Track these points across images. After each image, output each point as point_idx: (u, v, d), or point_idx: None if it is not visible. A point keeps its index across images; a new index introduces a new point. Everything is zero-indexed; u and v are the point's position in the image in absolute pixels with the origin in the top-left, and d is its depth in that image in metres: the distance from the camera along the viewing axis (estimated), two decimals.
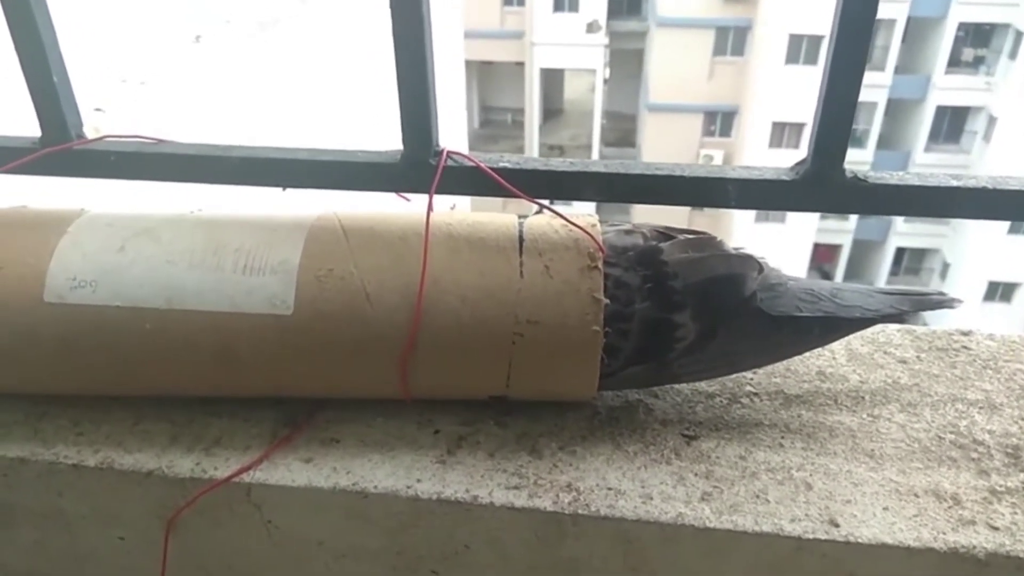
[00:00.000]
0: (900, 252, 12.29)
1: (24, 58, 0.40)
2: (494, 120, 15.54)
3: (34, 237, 0.42)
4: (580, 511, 0.39)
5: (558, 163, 0.40)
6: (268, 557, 0.44)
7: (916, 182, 0.37)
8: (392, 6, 0.35)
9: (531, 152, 14.08)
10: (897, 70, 12.06)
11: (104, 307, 0.40)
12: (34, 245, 0.42)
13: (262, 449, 0.42)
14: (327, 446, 0.43)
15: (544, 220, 0.43)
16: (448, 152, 0.40)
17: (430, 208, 0.41)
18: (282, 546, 0.43)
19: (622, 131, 14.90)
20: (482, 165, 0.40)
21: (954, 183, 0.37)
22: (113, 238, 0.41)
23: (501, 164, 0.40)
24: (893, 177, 0.37)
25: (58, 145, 0.42)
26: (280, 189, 0.42)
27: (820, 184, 0.37)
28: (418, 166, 0.40)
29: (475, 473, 0.41)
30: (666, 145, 13.15)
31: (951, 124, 12.54)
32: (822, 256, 11.70)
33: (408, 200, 0.44)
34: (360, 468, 0.41)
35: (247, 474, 0.41)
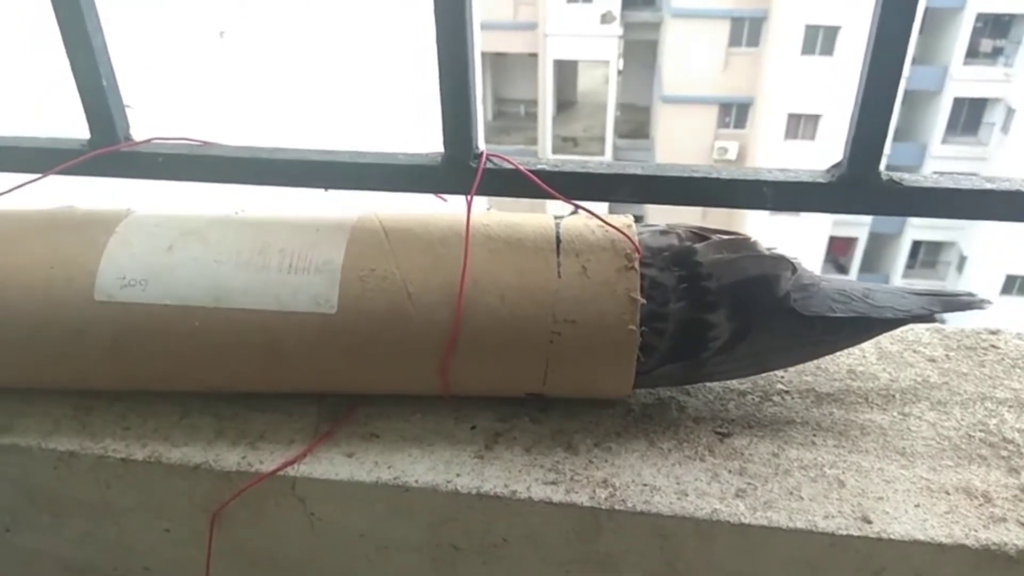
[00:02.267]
0: (916, 245, 12.20)
1: (75, 63, 0.41)
2: (507, 112, 15.52)
3: (83, 237, 0.43)
4: (616, 507, 0.40)
5: (595, 165, 0.41)
6: (310, 549, 0.45)
7: (950, 185, 0.38)
8: (436, 15, 0.36)
9: (544, 144, 14.05)
10: (914, 61, 11.94)
11: (153, 305, 0.41)
12: (84, 245, 0.43)
13: (305, 443, 0.43)
14: (368, 441, 0.44)
15: (580, 221, 0.43)
16: (488, 155, 0.41)
17: (469, 209, 0.42)
18: (324, 538, 0.44)
19: (636, 123, 14.84)
20: (521, 168, 0.40)
21: (988, 186, 0.38)
22: (161, 238, 0.43)
23: (539, 167, 0.41)
24: (928, 180, 0.38)
25: (107, 147, 0.43)
26: (322, 190, 0.43)
27: (856, 187, 0.38)
28: (458, 168, 0.41)
29: (512, 468, 0.42)
30: (680, 137, 13.10)
31: (969, 116, 12.41)
32: (838, 249, 11.64)
33: (445, 200, 0.45)
34: (400, 463, 0.42)
35: (291, 468, 0.42)
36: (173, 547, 0.47)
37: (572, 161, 0.41)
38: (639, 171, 0.40)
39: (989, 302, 0.44)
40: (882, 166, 0.37)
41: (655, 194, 0.40)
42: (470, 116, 0.39)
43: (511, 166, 0.41)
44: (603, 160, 0.43)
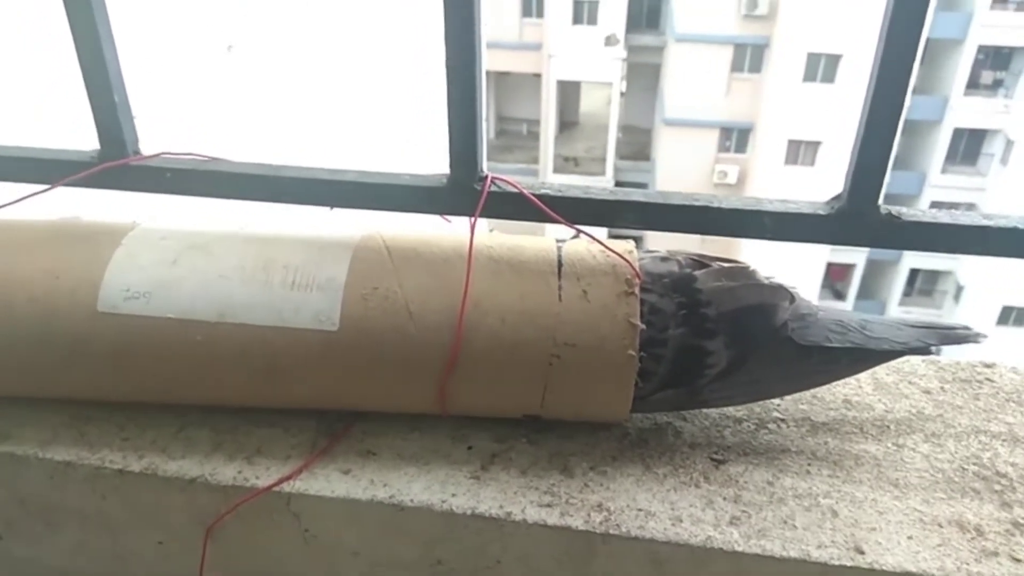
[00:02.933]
0: (914, 273, 12.23)
1: (89, 80, 0.41)
2: (510, 130, 15.59)
3: (89, 248, 0.44)
4: (611, 531, 0.40)
5: (598, 191, 0.41)
6: (304, 565, 0.45)
7: (948, 220, 0.38)
8: (447, 42, 0.36)
9: (545, 163, 14.11)
10: (915, 90, 12.03)
11: (157, 318, 0.42)
12: (89, 256, 0.43)
13: (302, 459, 0.44)
14: (364, 458, 0.44)
15: (582, 245, 0.44)
16: (492, 177, 0.42)
17: (473, 231, 0.42)
18: (318, 555, 0.44)
19: (638, 144, 14.91)
20: (525, 191, 0.41)
21: (985, 222, 0.38)
22: (167, 251, 0.43)
23: (543, 191, 0.41)
24: (926, 215, 0.38)
25: (116, 160, 0.44)
26: (328, 208, 0.44)
27: (855, 220, 0.38)
28: (463, 190, 0.41)
29: (508, 490, 0.42)
30: (681, 159, 13.16)
31: (968, 146, 12.49)
32: (835, 275, 11.66)
33: (449, 221, 0.45)
34: (396, 481, 0.42)
35: (287, 483, 0.42)
36: (166, 560, 0.47)
37: (575, 186, 0.41)
38: (641, 198, 0.40)
39: (984, 336, 0.45)
40: (881, 200, 0.38)
41: (657, 221, 0.41)
42: (476, 140, 0.40)
43: (515, 189, 0.41)
44: (606, 186, 0.43)
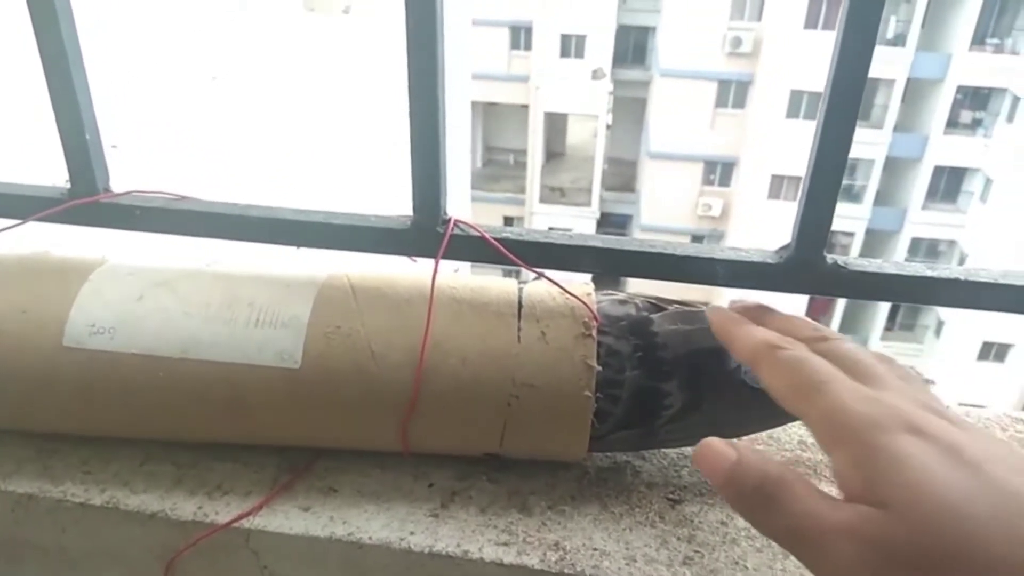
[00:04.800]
0: (895, 308, 12.34)
1: (60, 118, 0.42)
2: (497, 160, 15.71)
3: (57, 283, 0.44)
4: (566, 570, 0.40)
5: (557, 236, 0.43)
6: None
7: (893, 270, 0.40)
8: (411, 91, 0.38)
9: (532, 193, 14.20)
10: (896, 128, 12.25)
11: (121, 354, 0.42)
12: (57, 291, 0.44)
13: (263, 495, 0.44)
14: (325, 495, 0.44)
15: (542, 287, 0.45)
16: (455, 221, 0.43)
17: (435, 273, 0.43)
18: None
19: (623, 176, 15.05)
20: (486, 235, 0.42)
21: (929, 273, 0.39)
22: (133, 287, 0.44)
23: (504, 235, 0.43)
24: (872, 265, 0.40)
25: (86, 198, 0.44)
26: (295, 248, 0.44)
27: (803, 269, 0.40)
28: (426, 233, 0.43)
29: (467, 528, 0.43)
30: (666, 192, 13.28)
31: (948, 184, 12.70)
32: (817, 309, 11.76)
33: (415, 262, 0.46)
34: (356, 518, 0.43)
35: (247, 520, 0.43)
36: None
37: (535, 231, 0.43)
38: (599, 244, 0.42)
39: (933, 382, 0.46)
40: (856, 246, 0.39)
41: (614, 266, 0.42)
42: (439, 184, 0.41)
43: (477, 233, 0.42)
44: (565, 231, 0.45)
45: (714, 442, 0.33)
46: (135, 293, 0.43)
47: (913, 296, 0.40)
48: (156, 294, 0.43)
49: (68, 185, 0.45)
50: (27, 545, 0.46)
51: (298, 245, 0.44)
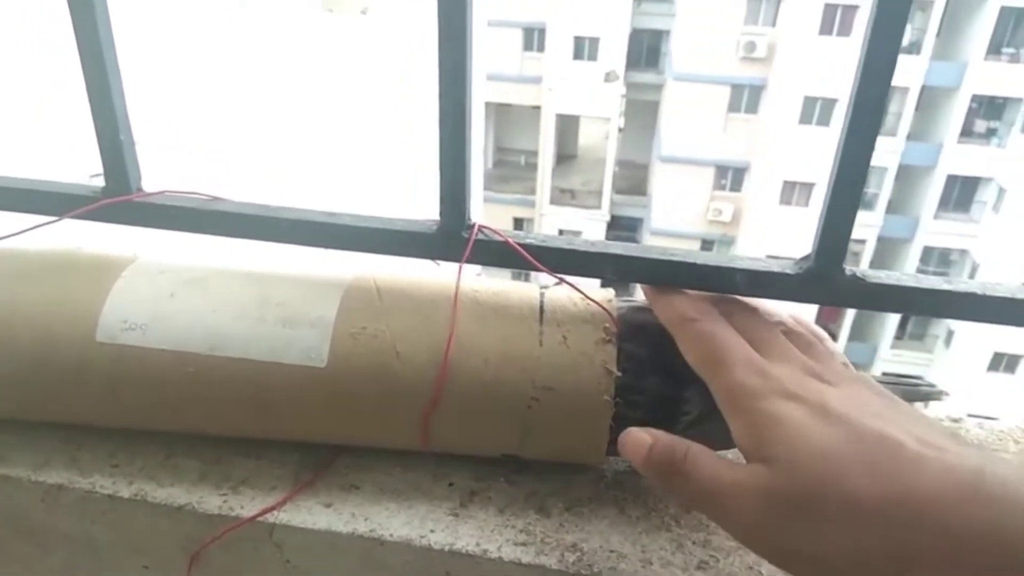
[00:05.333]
0: (906, 317, 12.29)
1: (98, 119, 0.43)
2: (508, 161, 15.72)
3: (90, 279, 0.46)
4: (583, 571, 0.41)
5: (580, 243, 0.43)
6: None
7: (911, 283, 0.40)
8: (441, 103, 0.38)
9: (542, 195, 14.20)
10: (909, 136, 12.20)
11: (151, 349, 0.43)
12: (89, 286, 0.45)
13: (286, 490, 0.45)
14: (347, 492, 0.45)
15: (564, 293, 0.46)
16: (480, 226, 0.44)
17: (459, 277, 0.44)
18: None
19: (634, 179, 15.05)
20: (510, 241, 0.43)
21: (945, 286, 0.40)
22: (165, 285, 0.45)
23: (527, 240, 0.43)
24: (890, 277, 0.40)
25: (120, 196, 0.45)
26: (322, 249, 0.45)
27: (821, 280, 0.40)
28: (452, 238, 0.43)
29: (485, 527, 0.43)
30: (677, 196, 13.27)
31: (961, 193, 12.64)
32: (828, 315, 11.73)
33: (439, 265, 0.47)
34: (377, 515, 0.44)
35: (271, 514, 0.44)
36: None
37: (558, 238, 0.43)
38: (621, 251, 0.42)
39: (947, 393, 0.46)
40: (865, 263, 0.40)
41: (635, 274, 0.42)
42: (465, 190, 0.42)
43: (501, 239, 0.43)
44: (588, 239, 0.45)
45: (633, 431, 0.39)
46: (167, 290, 0.44)
47: (930, 309, 0.40)
48: (187, 292, 0.44)
49: (93, 183, 0.46)
50: (55, 534, 0.47)
51: (327, 247, 0.45)
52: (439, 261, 0.47)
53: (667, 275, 0.42)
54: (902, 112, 11.78)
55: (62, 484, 0.46)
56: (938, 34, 11.60)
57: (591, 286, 0.46)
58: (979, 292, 0.40)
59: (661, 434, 0.39)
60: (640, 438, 0.39)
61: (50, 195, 0.46)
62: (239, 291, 0.45)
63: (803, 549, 0.33)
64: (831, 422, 0.34)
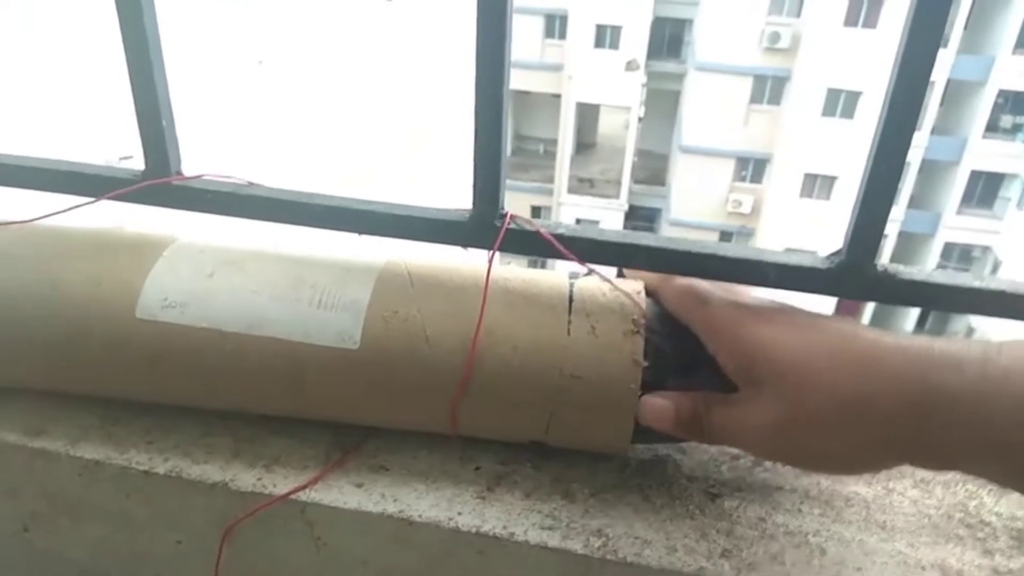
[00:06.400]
0: (924, 312, 12.18)
1: (139, 103, 0.44)
2: (526, 149, 15.68)
3: (131, 257, 0.47)
4: (608, 556, 0.42)
5: (611, 234, 0.44)
6: (313, 571, 0.47)
7: (941, 280, 0.40)
8: (477, 92, 0.39)
9: (560, 183, 14.16)
10: (934, 131, 12.05)
11: (190, 327, 0.44)
12: (131, 264, 0.46)
13: (317, 470, 0.46)
14: (376, 473, 0.46)
15: (593, 283, 0.46)
16: (512, 216, 0.44)
17: (491, 265, 0.45)
18: (328, 562, 0.46)
19: (653, 169, 14.97)
20: (542, 230, 0.43)
21: (976, 284, 0.40)
22: (204, 265, 0.46)
23: (559, 231, 0.44)
24: (920, 274, 0.40)
25: (159, 179, 0.46)
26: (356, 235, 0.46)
27: (852, 275, 0.41)
28: (484, 226, 0.44)
29: (512, 511, 0.44)
30: (696, 187, 13.18)
31: (985, 189, 12.48)
32: (845, 310, 11.65)
33: (467, 252, 0.48)
34: (406, 497, 0.45)
35: (303, 493, 0.45)
36: (182, 559, 0.49)
37: (590, 228, 0.44)
38: (652, 242, 0.43)
39: None
40: (885, 258, 0.40)
41: (665, 265, 0.43)
42: (499, 180, 0.42)
43: (532, 228, 0.44)
44: (619, 228, 0.46)
45: (648, 399, 0.43)
46: (207, 270, 0.45)
47: (959, 306, 0.41)
48: (226, 272, 0.45)
49: (143, 167, 0.47)
50: (91, 508, 0.49)
51: (360, 233, 0.45)
52: (468, 248, 0.47)
53: (697, 267, 0.42)
54: (927, 106, 11.63)
55: (99, 460, 0.47)
56: (965, 27, 11.43)
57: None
58: (1008, 290, 0.40)
59: (676, 395, 0.43)
60: (661, 405, 0.43)
61: (92, 177, 0.47)
62: (276, 272, 0.46)
63: (810, 446, 0.38)
64: (800, 331, 0.39)
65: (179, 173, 0.47)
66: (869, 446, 0.37)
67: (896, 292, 0.40)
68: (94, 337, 0.45)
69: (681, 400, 0.42)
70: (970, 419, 0.34)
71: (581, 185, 14.65)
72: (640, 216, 14.83)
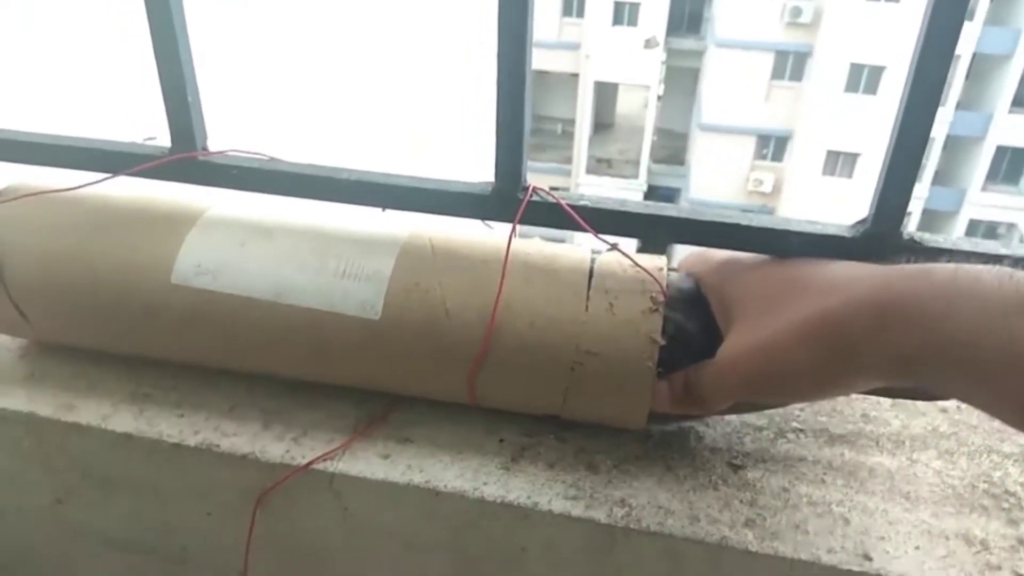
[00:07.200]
0: None
1: (165, 80, 0.45)
2: (544, 129, 15.60)
3: (166, 225, 0.48)
4: (631, 525, 0.42)
5: (634, 205, 0.44)
6: (340, 541, 0.48)
7: (968, 247, 0.40)
8: (499, 64, 0.39)
9: (578, 163, 14.09)
10: (959, 106, 11.84)
11: (221, 293, 0.45)
12: (166, 232, 0.48)
13: (344, 441, 0.47)
14: (402, 445, 0.47)
15: (614, 259, 0.46)
16: (534, 188, 0.44)
17: (511, 238, 0.45)
18: (355, 532, 0.47)
19: (672, 148, 14.84)
20: (563, 203, 0.43)
21: (1003, 251, 0.40)
22: (236, 234, 0.47)
23: (581, 203, 0.44)
24: (947, 242, 0.40)
25: (185, 153, 0.47)
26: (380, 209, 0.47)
27: (878, 243, 0.40)
28: (506, 199, 0.44)
29: (536, 481, 0.45)
30: (716, 166, 13.06)
31: (1011, 165, 12.26)
32: None
33: (491, 227, 0.48)
34: (432, 467, 0.45)
35: (330, 463, 0.45)
36: (212, 530, 0.50)
37: (611, 199, 0.44)
38: (675, 213, 0.43)
39: None
40: (911, 226, 0.40)
41: (688, 236, 0.43)
42: (521, 153, 0.43)
43: (554, 200, 0.44)
44: (641, 200, 0.46)
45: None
46: (239, 239, 0.46)
47: None
48: (256, 241, 0.46)
49: (169, 144, 0.48)
50: (123, 480, 0.50)
51: (384, 207, 0.46)
52: (491, 223, 0.48)
53: (721, 238, 0.42)
54: (952, 80, 11.42)
55: (131, 433, 0.48)
56: (991, 0, 11.20)
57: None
58: None
59: (671, 375, 0.44)
60: (657, 385, 0.44)
61: (117, 153, 0.48)
62: (303, 242, 0.46)
63: (777, 372, 0.39)
64: (767, 267, 0.42)
65: (204, 149, 0.48)
66: (832, 360, 0.36)
67: (922, 260, 0.40)
68: (131, 301, 0.47)
69: (674, 376, 0.43)
70: (934, 318, 0.33)
71: (599, 165, 14.57)
72: (659, 196, 14.73)
